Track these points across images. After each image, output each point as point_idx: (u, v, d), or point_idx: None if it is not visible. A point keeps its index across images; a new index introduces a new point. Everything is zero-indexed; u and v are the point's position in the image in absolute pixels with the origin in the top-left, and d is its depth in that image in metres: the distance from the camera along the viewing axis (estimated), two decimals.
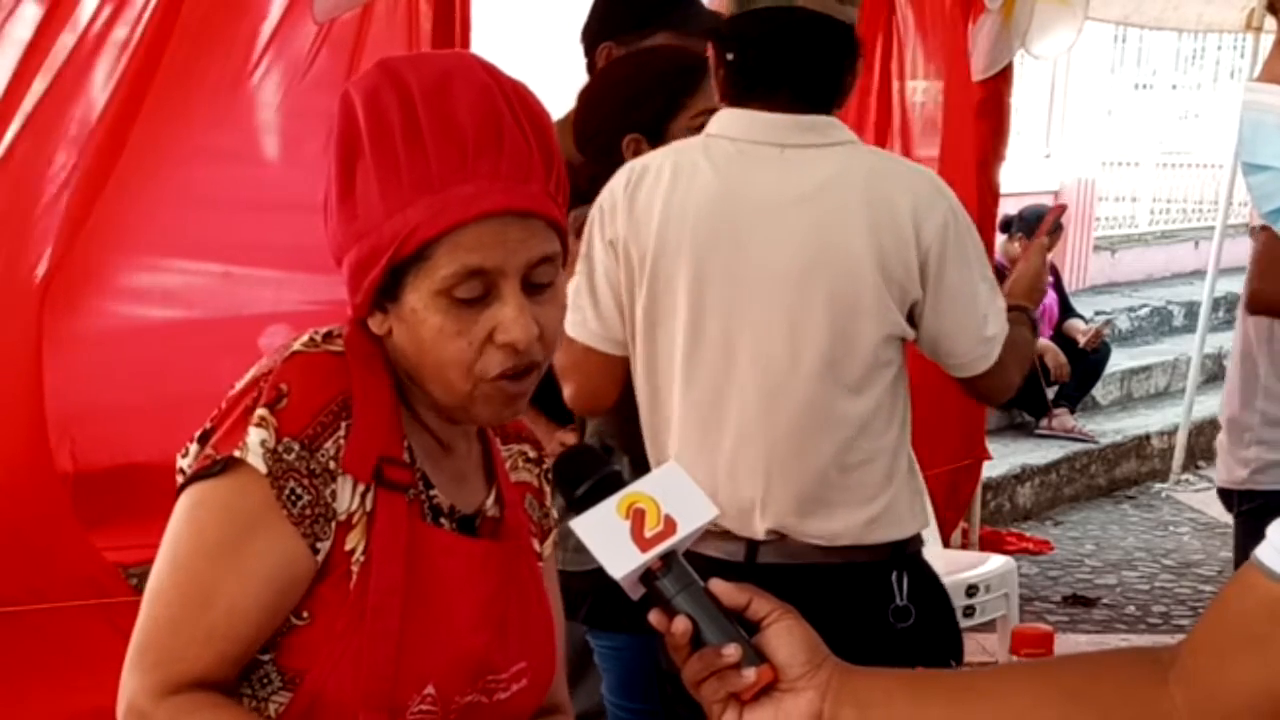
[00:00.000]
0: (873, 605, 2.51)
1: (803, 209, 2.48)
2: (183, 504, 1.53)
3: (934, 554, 4.34)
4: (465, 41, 3.72)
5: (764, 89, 2.53)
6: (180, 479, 1.56)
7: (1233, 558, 4.11)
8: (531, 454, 1.79)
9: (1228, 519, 3.87)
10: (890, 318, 2.49)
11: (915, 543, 2.61)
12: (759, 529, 2.51)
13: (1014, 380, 2.68)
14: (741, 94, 2.55)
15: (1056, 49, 5.63)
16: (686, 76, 2.83)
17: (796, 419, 2.48)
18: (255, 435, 1.49)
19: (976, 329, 2.55)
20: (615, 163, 2.78)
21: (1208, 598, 6.23)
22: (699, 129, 2.76)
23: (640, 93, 2.83)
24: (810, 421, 2.48)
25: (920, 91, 5.37)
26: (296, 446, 1.49)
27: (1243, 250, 6.91)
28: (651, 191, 2.54)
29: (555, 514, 1.80)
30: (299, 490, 1.49)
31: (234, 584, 1.49)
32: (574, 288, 2.58)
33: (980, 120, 5.27)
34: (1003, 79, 5.29)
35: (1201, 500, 7.43)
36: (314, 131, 3.60)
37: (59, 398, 3.09)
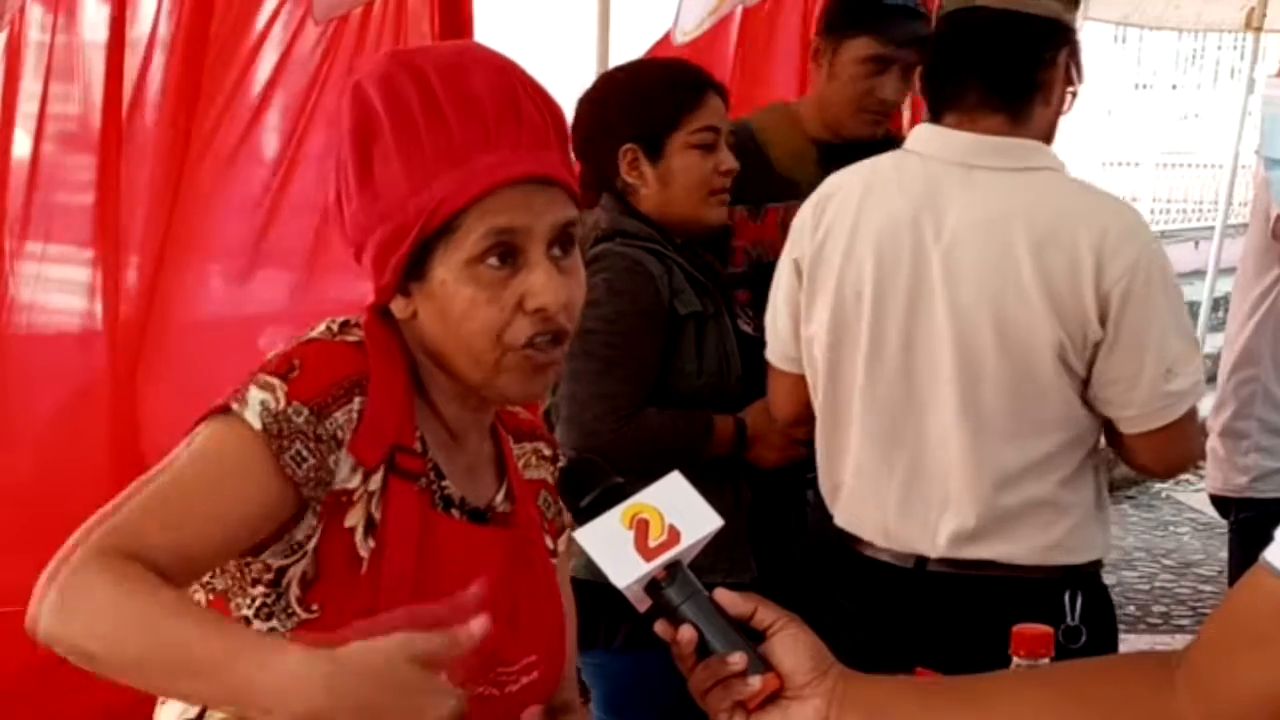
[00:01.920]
0: (1043, 622, 2.44)
1: (981, 236, 2.41)
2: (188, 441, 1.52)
3: None
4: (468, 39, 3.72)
5: (952, 86, 2.48)
6: None
7: (1228, 562, 4.09)
8: (546, 451, 1.79)
9: None
10: (1066, 357, 2.39)
11: (1094, 564, 2.54)
12: (933, 553, 2.48)
13: (1192, 450, 2.55)
14: (936, 97, 2.51)
15: None
16: (690, 91, 2.80)
17: (971, 450, 2.43)
18: (256, 394, 1.49)
19: (1155, 381, 2.39)
20: (608, 172, 2.79)
21: (1208, 598, 6.23)
22: (698, 145, 2.77)
23: (641, 102, 2.80)
24: (986, 454, 2.43)
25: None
26: (306, 410, 1.49)
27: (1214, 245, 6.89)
28: (840, 209, 2.52)
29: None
30: (304, 453, 1.49)
31: (214, 497, 1.47)
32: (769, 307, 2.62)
33: None
34: None
35: (1201, 500, 7.39)
36: (315, 131, 3.63)
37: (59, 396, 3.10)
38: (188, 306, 3.46)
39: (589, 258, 2.70)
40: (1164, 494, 7.85)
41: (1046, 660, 1.80)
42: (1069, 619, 2.46)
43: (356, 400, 1.53)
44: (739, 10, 4.71)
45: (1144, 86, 12.55)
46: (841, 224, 2.51)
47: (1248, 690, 1.28)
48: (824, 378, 2.57)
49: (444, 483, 1.62)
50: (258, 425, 1.48)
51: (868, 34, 3.18)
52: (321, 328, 1.59)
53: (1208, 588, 6.35)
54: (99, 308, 3.17)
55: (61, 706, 2.93)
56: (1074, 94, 2.57)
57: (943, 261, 2.42)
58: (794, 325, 2.61)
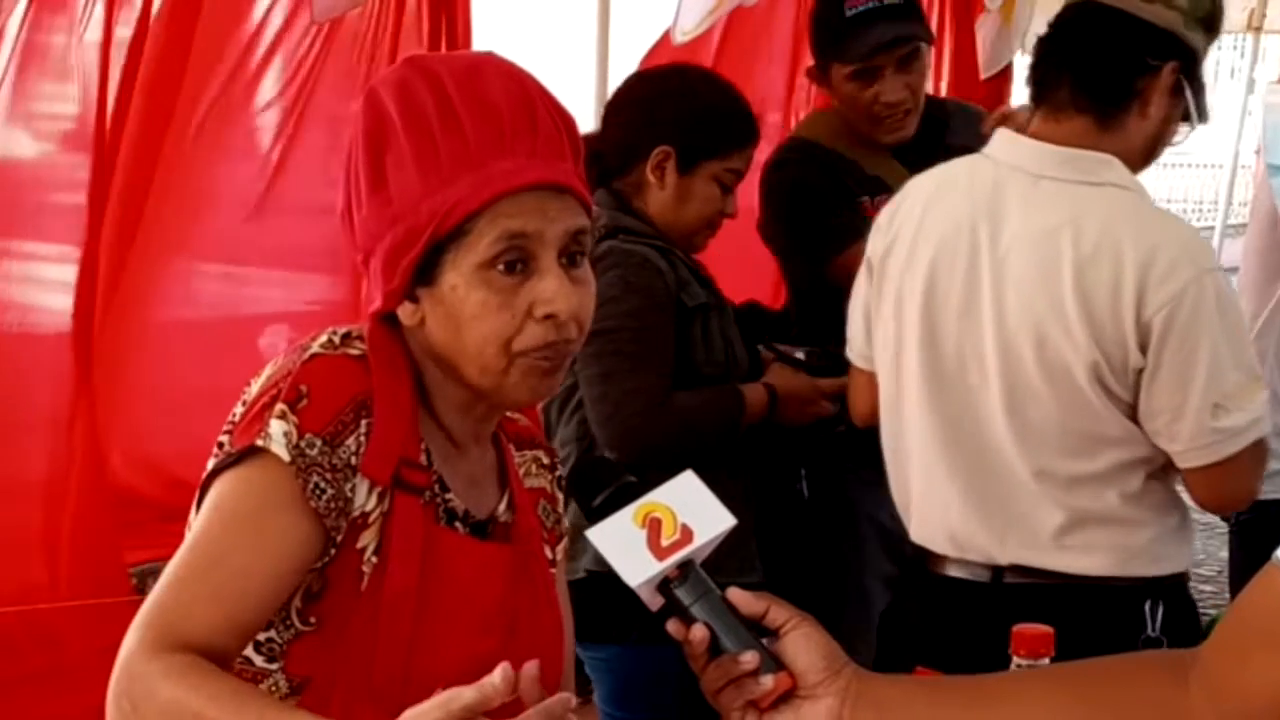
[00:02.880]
0: (1122, 633, 2.39)
1: (1031, 249, 2.36)
2: (210, 494, 1.52)
3: None
4: (466, 43, 3.71)
5: (1050, 79, 2.44)
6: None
7: (1228, 563, 4.09)
8: (545, 460, 1.79)
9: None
10: (1105, 380, 2.32)
11: (1176, 576, 2.45)
12: (1004, 561, 2.44)
13: (1250, 488, 2.42)
14: (1037, 91, 2.47)
15: None
16: (744, 131, 2.84)
17: (1027, 463, 2.38)
18: (278, 426, 1.48)
19: (1201, 416, 2.29)
20: (627, 156, 2.81)
21: (1208, 597, 6.22)
22: (722, 182, 2.81)
23: (699, 115, 2.82)
24: (1042, 467, 2.38)
25: None
26: (319, 442, 1.49)
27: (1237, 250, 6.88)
28: (910, 212, 2.51)
29: (567, 521, 1.79)
30: (323, 485, 1.49)
31: (249, 548, 1.48)
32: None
33: None
34: (1003, 79, 5.30)
35: None
36: (314, 131, 3.63)
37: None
38: (156, 307, 3.45)
39: (595, 255, 2.70)
40: None
41: (1046, 660, 1.78)
42: (1149, 630, 2.40)
43: (363, 424, 1.52)
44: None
45: None
46: (909, 225, 2.49)
47: (1261, 690, 1.27)
48: (887, 378, 2.55)
49: (448, 495, 1.61)
50: (287, 457, 1.47)
51: (839, 60, 3.25)
52: (324, 338, 1.57)
53: (1208, 588, 6.34)
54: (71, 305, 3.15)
55: (61, 706, 2.92)
56: (1190, 127, 2.49)
57: (994, 271, 2.39)
58: (866, 323, 2.60)
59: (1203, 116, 2.45)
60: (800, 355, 2.96)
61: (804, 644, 1.42)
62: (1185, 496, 2.47)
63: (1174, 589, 2.44)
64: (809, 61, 3.52)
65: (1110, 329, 2.29)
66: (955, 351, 2.43)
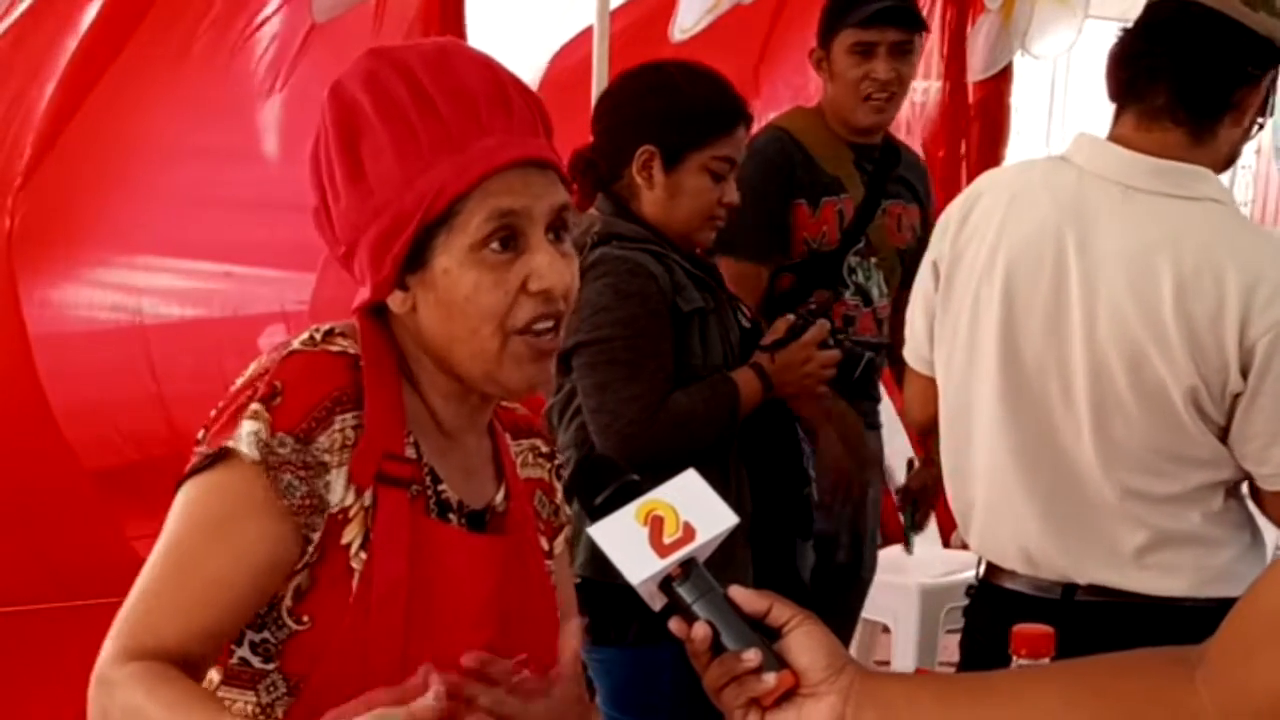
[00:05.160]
0: None
1: (1126, 265, 2.29)
2: (179, 497, 1.54)
3: (934, 554, 4.36)
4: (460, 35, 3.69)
5: (1143, 81, 2.35)
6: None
7: None
8: (544, 449, 1.78)
9: None
10: (1201, 404, 2.27)
11: None
12: (1081, 581, 2.40)
13: None
14: (1122, 87, 2.38)
15: (1056, 49, 5.61)
16: (726, 117, 2.80)
17: (1110, 481, 2.34)
18: (247, 426, 1.49)
19: None
20: (616, 161, 2.79)
21: None
22: (713, 171, 2.77)
23: (676, 109, 2.78)
24: (1125, 485, 2.34)
25: (920, 91, 5.36)
26: (290, 440, 1.49)
27: None
28: (987, 214, 2.43)
29: (569, 510, 1.79)
30: (295, 482, 1.49)
31: (219, 557, 1.49)
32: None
33: (980, 120, 5.27)
34: (1003, 79, 5.29)
35: None
36: (314, 130, 3.61)
37: (61, 396, 3.09)
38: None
39: (587, 263, 2.70)
40: None
41: (1047, 660, 1.78)
42: None
43: (338, 420, 1.52)
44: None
45: None
46: (986, 228, 2.42)
47: (1267, 687, 1.27)
48: (954, 386, 2.48)
49: (440, 487, 1.61)
50: (256, 456, 1.48)
51: (847, 27, 3.51)
52: (305, 335, 1.57)
53: None
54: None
55: (60, 706, 2.92)
56: (1261, 125, 2.45)
57: (1083, 283, 2.32)
58: (929, 327, 2.54)
59: (1274, 109, 2.43)
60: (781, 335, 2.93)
61: (806, 642, 1.41)
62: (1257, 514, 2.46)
63: None
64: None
65: (1213, 353, 2.24)
66: (1037, 364, 2.36)
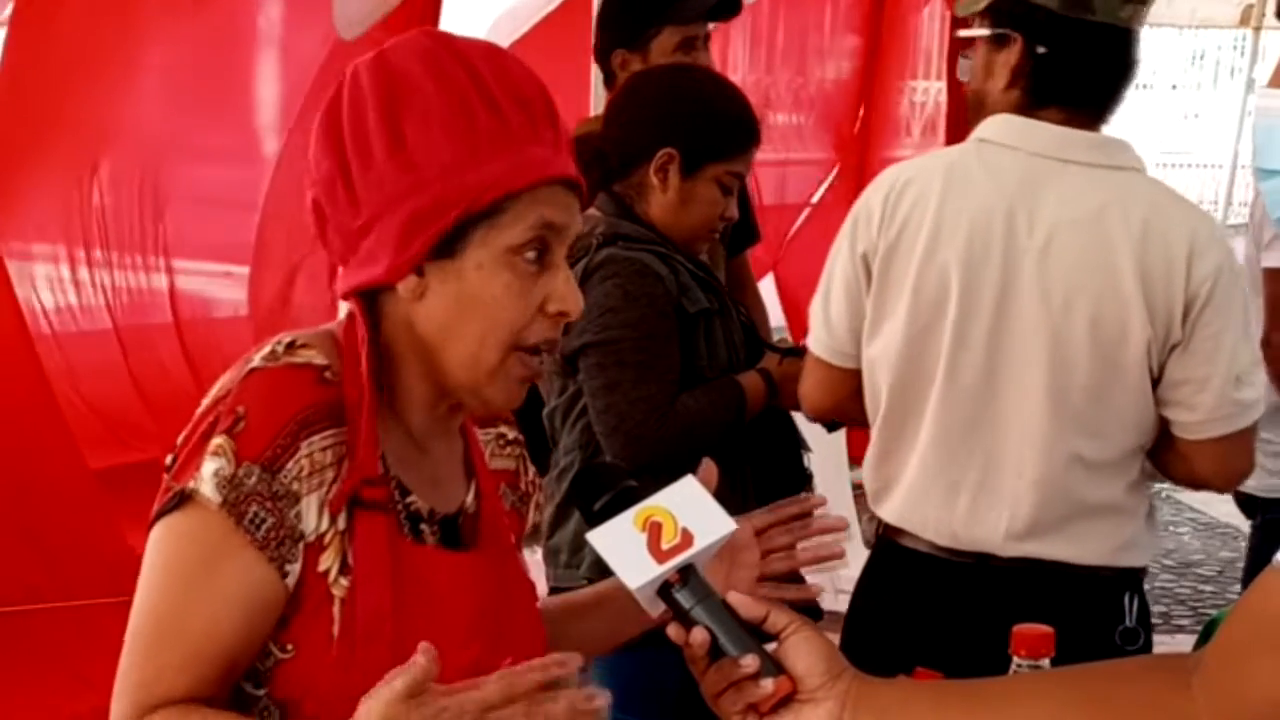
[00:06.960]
0: (1102, 622, 2.45)
1: (1077, 231, 2.39)
2: (151, 539, 1.52)
3: None
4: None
5: (1075, 92, 2.45)
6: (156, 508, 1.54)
7: (1240, 559, 4.10)
8: (510, 435, 1.77)
9: (1228, 519, 3.88)
10: (1150, 355, 2.38)
11: (1145, 568, 2.54)
12: (1003, 553, 2.46)
13: (1251, 463, 2.49)
14: (1045, 92, 2.46)
15: None
16: (748, 134, 2.83)
17: (1051, 446, 2.41)
18: (209, 465, 1.46)
19: (1224, 387, 2.37)
20: (631, 157, 2.80)
21: (1208, 598, 6.23)
22: (724, 185, 2.79)
23: (704, 118, 2.80)
24: (1066, 451, 2.41)
25: (920, 91, 5.37)
26: (257, 470, 1.46)
27: (1242, 250, 6.88)
28: (919, 202, 2.46)
29: (533, 474, 1.78)
30: (261, 514, 1.47)
31: (205, 611, 1.48)
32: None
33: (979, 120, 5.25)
34: None
35: (1202, 500, 7.41)
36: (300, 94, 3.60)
37: (62, 396, 3.08)
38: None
39: (594, 263, 2.70)
40: (1164, 494, 7.84)
41: (1047, 661, 1.78)
42: (1128, 620, 2.46)
43: (304, 445, 1.48)
44: None
45: (1144, 86, 12.57)
46: (921, 216, 2.45)
47: (1262, 695, 1.27)
48: (895, 375, 2.50)
49: (409, 499, 1.58)
50: (218, 500, 1.46)
51: (672, 22, 3.36)
52: (266, 350, 1.52)
53: (1208, 588, 6.35)
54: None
55: (59, 706, 2.92)
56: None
57: (1038, 256, 2.39)
58: (850, 320, 2.55)
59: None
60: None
61: (804, 648, 1.42)
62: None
63: (1141, 580, 2.53)
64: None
65: (1164, 304, 2.35)
66: (988, 344, 2.42)
